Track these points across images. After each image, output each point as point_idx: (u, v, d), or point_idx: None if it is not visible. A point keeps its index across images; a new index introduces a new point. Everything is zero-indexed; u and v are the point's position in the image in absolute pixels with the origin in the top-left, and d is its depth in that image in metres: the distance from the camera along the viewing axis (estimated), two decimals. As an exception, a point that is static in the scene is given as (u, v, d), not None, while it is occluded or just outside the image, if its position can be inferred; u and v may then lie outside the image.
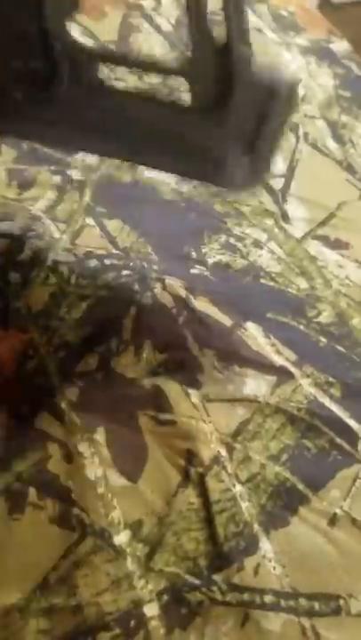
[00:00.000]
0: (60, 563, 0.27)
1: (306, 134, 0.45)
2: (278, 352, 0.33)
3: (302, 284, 0.37)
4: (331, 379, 0.32)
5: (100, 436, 0.30)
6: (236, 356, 0.33)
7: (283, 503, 0.29)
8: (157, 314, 0.33)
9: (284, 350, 0.33)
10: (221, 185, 0.31)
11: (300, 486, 0.29)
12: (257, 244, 0.38)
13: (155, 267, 0.36)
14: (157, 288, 0.34)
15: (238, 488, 0.29)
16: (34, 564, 0.28)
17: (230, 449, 0.30)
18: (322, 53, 0.54)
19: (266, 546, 0.28)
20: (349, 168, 0.43)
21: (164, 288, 0.34)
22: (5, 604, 0.27)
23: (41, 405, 0.30)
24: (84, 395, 0.30)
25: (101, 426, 0.30)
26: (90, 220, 0.38)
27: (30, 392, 0.31)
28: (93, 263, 0.35)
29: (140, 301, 0.33)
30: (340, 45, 0.56)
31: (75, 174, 0.39)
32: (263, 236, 0.39)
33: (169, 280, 0.35)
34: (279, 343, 0.34)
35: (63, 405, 0.30)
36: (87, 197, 0.39)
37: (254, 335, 0.34)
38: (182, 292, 0.34)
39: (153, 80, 0.41)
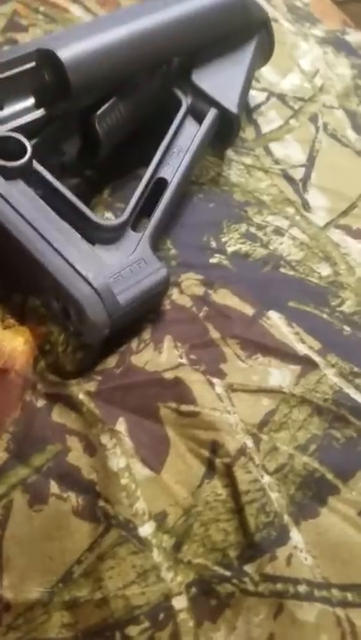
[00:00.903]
0: (85, 555, 0.27)
1: (325, 124, 0.45)
2: (302, 341, 0.33)
3: (325, 270, 0.36)
4: (356, 368, 0.32)
5: (121, 426, 0.29)
6: (259, 345, 0.32)
7: (312, 494, 0.28)
8: (177, 314, 0.33)
9: (308, 339, 0.33)
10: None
11: (330, 476, 0.29)
12: (278, 232, 0.38)
13: (173, 262, 0.35)
14: (175, 293, 0.34)
15: (267, 479, 0.28)
16: (57, 557, 0.27)
17: (257, 440, 0.29)
18: (338, 44, 0.53)
19: (296, 537, 0.27)
20: (370, 157, 0.43)
21: (182, 291, 0.34)
22: (28, 598, 0.27)
23: (58, 399, 0.30)
24: (101, 386, 0.30)
25: (122, 416, 0.29)
26: (110, 215, 0.37)
27: (45, 387, 0.30)
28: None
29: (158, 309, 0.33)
30: (356, 36, 0.56)
31: (89, 172, 0.39)
32: (285, 223, 0.38)
33: (186, 282, 0.34)
34: (303, 332, 0.33)
35: (81, 396, 0.29)
36: (105, 194, 0.38)
37: (277, 324, 0.33)
38: (200, 291, 0.34)
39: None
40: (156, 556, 0.27)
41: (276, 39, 0.45)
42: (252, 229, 0.38)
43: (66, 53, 0.34)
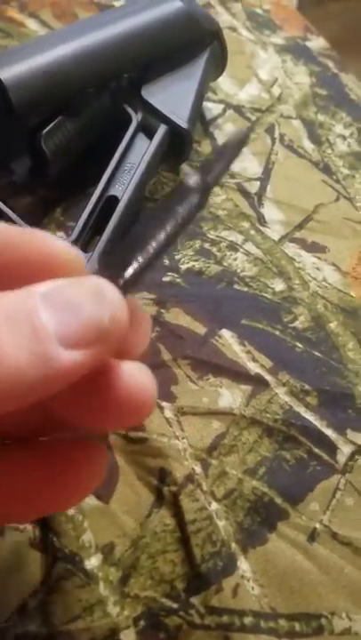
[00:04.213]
0: (40, 588, 0.27)
1: (282, 135, 0.44)
2: (254, 359, 0.32)
3: (279, 285, 0.36)
4: (307, 386, 0.31)
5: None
6: (210, 365, 0.32)
7: (261, 519, 0.28)
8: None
9: (260, 357, 0.32)
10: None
11: (279, 500, 0.28)
12: (232, 247, 0.37)
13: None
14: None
15: (214, 506, 0.28)
16: (14, 590, 0.27)
17: (206, 465, 0.29)
18: (298, 51, 0.53)
19: (244, 565, 0.27)
20: (326, 169, 0.42)
21: (134, 311, 0.34)
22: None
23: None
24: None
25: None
26: (62, 234, 0.37)
27: None
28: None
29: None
30: (317, 43, 0.55)
31: (42, 190, 0.38)
32: (240, 238, 0.38)
33: (138, 301, 0.34)
34: (255, 350, 0.33)
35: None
36: (58, 212, 0.38)
37: (229, 342, 0.33)
38: (153, 310, 0.34)
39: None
40: (102, 589, 0.26)
41: (234, 49, 0.45)
42: (207, 245, 0.37)
43: (7, 73, 0.33)
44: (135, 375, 0.17)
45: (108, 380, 0.17)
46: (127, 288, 0.18)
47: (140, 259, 0.19)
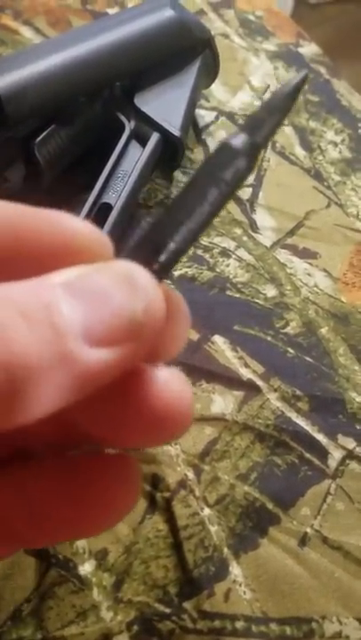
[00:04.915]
0: (34, 594, 0.27)
1: (274, 142, 0.45)
2: (246, 365, 0.33)
3: (270, 291, 0.36)
4: (298, 392, 0.32)
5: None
6: (203, 371, 0.32)
7: (252, 524, 0.28)
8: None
9: (252, 363, 0.33)
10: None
11: (270, 505, 0.29)
12: (225, 254, 0.38)
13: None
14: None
15: (207, 511, 0.28)
16: (8, 595, 0.27)
17: (198, 471, 0.29)
18: (290, 58, 0.53)
19: (236, 570, 0.27)
20: (318, 176, 0.43)
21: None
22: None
23: None
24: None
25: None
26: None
27: None
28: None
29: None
30: (309, 49, 0.56)
31: (36, 198, 0.39)
32: (232, 244, 0.38)
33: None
34: (247, 356, 0.33)
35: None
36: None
37: (222, 348, 0.33)
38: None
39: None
40: (96, 595, 0.26)
41: (226, 56, 0.45)
42: (199, 252, 0.38)
43: (1, 82, 0.34)
44: (171, 382, 0.15)
45: (139, 387, 0.14)
46: (163, 274, 0.16)
47: (178, 237, 0.16)
